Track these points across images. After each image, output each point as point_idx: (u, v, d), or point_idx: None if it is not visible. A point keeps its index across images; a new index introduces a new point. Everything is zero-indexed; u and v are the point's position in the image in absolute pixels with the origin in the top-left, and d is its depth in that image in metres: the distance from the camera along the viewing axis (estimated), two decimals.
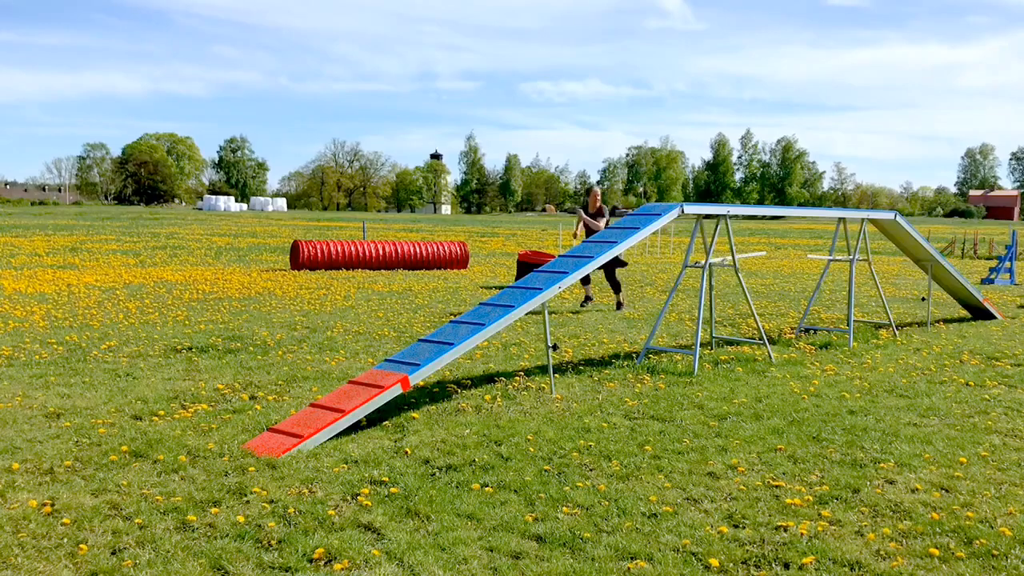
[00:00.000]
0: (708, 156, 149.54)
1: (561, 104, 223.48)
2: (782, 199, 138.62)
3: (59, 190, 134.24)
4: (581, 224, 15.57)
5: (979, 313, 14.51)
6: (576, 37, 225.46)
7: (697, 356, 9.61)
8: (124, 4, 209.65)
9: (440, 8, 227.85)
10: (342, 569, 4.44)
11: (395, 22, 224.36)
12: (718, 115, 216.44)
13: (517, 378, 8.96)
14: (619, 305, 14.91)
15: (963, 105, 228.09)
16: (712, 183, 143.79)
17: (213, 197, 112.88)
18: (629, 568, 4.50)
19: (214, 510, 5.15)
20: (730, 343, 11.39)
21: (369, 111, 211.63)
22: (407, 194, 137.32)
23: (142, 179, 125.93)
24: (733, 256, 10.37)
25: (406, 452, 6.36)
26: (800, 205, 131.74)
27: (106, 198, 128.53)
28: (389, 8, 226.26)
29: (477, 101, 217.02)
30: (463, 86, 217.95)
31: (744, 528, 5.05)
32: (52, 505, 5.17)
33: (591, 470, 6.05)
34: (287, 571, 4.43)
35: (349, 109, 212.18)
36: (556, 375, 8.97)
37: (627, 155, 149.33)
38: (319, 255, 22.52)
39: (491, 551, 4.68)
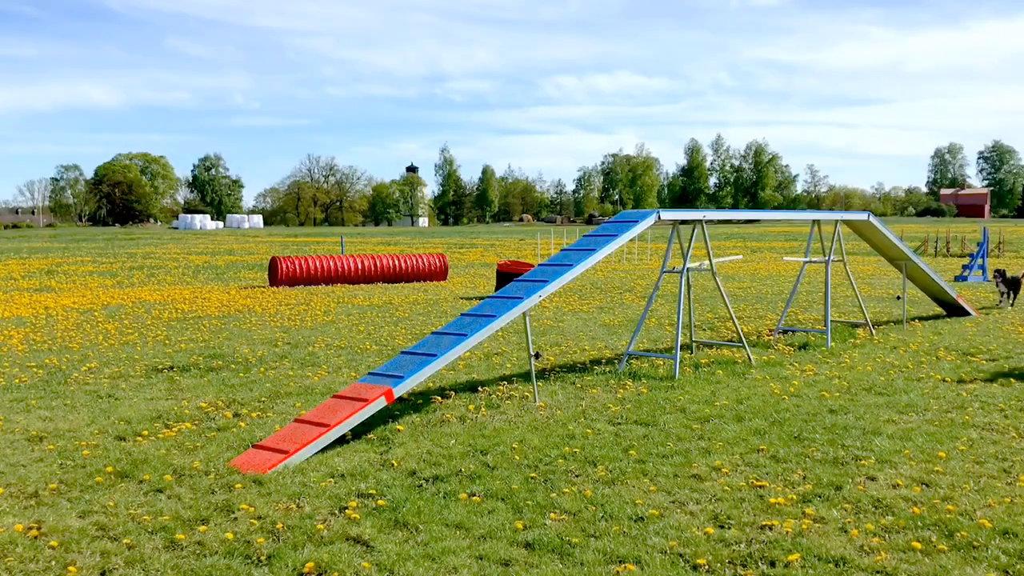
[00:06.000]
0: (682, 162, 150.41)
1: (553, 115, 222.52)
2: (755, 202, 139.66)
3: (32, 212, 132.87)
4: None
5: (953, 310, 14.70)
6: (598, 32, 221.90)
7: (678, 360, 9.69)
8: (94, 10, 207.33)
9: (432, 5, 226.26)
10: None
11: (383, 25, 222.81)
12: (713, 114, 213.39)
13: (500, 387, 9.00)
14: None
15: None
16: (687, 188, 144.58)
17: (188, 216, 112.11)
18: (618, 571, 4.55)
19: (202, 528, 5.15)
20: (710, 346, 11.48)
21: (347, 123, 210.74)
22: (384, 207, 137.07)
23: (116, 200, 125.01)
24: (710, 260, 10.47)
25: (392, 464, 6.38)
26: (775, 208, 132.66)
27: (80, 219, 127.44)
28: (373, 13, 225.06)
29: (458, 109, 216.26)
30: (444, 95, 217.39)
31: (730, 528, 5.11)
32: (39, 528, 5.15)
33: (577, 476, 6.10)
34: None
35: (325, 121, 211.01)
36: (539, 383, 9.02)
37: (602, 163, 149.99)
38: (298, 271, 22.47)
39: (480, 559, 4.71)
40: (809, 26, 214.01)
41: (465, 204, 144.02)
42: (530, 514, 5.35)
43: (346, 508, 5.47)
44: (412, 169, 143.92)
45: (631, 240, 17.46)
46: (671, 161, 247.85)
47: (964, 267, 23.34)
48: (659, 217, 9.83)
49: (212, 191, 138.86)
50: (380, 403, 7.14)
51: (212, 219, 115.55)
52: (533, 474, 6.12)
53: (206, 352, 11.48)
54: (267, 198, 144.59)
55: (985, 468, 6.19)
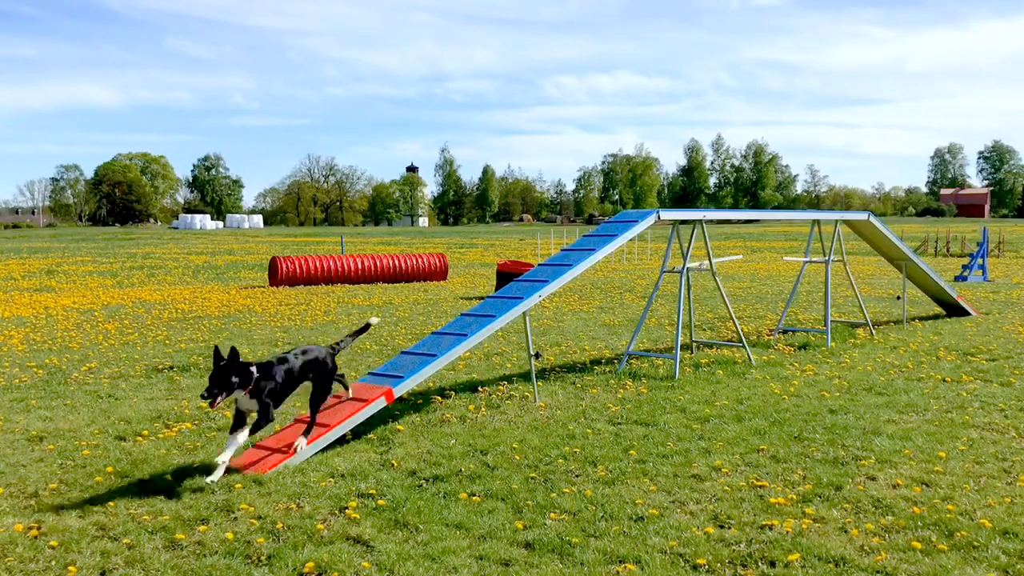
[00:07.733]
0: (682, 162, 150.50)
1: (552, 113, 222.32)
2: (755, 202, 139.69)
3: (32, 212, 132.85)
4: None
5: (953, 310, 14.70)
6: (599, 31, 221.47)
7: (678, 360, 9.69)
8: (94, 10, 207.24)
9: (432, 5, 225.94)
10: None
11: (383, 25, 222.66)
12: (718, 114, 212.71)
13: (500, 387, 9.00)
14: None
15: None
16: (687, 188, 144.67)
17: (189, 216, 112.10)
18: (618, 571, 4.55)
19: (202, 528, 5.15)
20: (710, 346, 11.48)
21: (347, 123, 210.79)
22: (384, 207, 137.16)
23: (116, 199, 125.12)
24: (710, 260, 10.47)
25: (392, 464, 6.38)
26: (775, 208, 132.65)
27: (80, 219, 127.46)
28: (373, 13, 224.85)
29: (458, 109, 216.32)
30: (444, 95, 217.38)
31: (730, 528, 5.11)
32: (39, 528, 5.15)
33: (577, 476, 6.10)
34: None
35: (325, 121, 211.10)
36: (539, 383, 9.02)
37: (602, 163, 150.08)
38: (298, 271, 22.47)
39: (480, 559, 4.71)
40: (809, 26, 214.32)
41: (465, 204, 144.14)
42: (530, 514, 5.35)
43: (346, 508, 5.47)
44: (412, 169, 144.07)
45: (631, 240, 17.47)
46: (671, 161, 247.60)
47: (964, 267, 23.33)
48: (659, 217, 9.83)
49: (212, 191, 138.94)
50: (380, 403, 7.14)
51: (212, 219, 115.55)
52: (533, 474, 6.12)
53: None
54: (267, 198, 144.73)
55: (985, 468, 6.19)
